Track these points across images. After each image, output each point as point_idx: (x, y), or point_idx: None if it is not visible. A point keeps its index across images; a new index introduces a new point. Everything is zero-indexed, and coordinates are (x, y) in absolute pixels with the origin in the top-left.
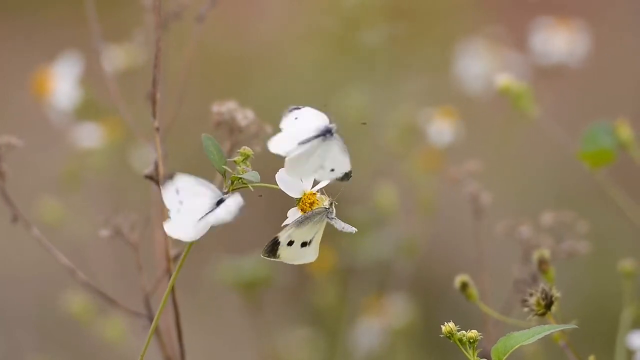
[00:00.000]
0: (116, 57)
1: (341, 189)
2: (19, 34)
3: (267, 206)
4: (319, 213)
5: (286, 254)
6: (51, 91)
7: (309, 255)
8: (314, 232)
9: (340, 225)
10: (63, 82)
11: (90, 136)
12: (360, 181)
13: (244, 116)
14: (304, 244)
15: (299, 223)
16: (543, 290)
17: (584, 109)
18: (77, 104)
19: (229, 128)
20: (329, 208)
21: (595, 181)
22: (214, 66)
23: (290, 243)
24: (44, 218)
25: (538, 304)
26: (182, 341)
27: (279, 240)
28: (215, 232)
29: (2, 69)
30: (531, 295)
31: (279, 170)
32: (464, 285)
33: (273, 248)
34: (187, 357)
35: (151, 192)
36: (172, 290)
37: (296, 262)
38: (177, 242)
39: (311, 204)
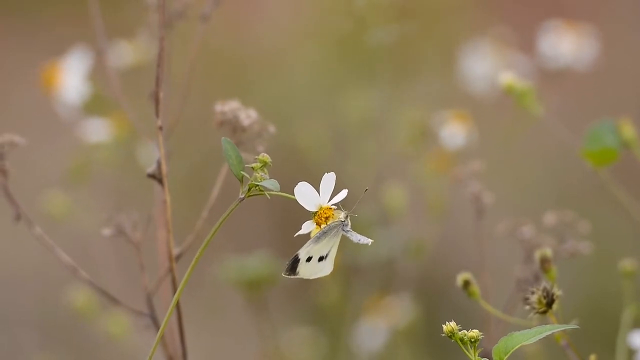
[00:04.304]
0: (120, 56)
1: (358, 201)
2: (21, 32)
3: (269, 206)
4: (335, 227)
5: (304, 270)
6: (60, 85)
7: (325, 269)
8: (330, 246)
9: (356, 237)
10: (72, 77)
11: (97, 131)
12: (365, 182)
13: (247, 115)
14: (320, 259)
15: (317, 239)
16: (544, 289)
17: (588, 108)
18: (86, 99)
19: (232, 127)
20: (344, 221)
21: (598, 181)
22: (216, 66)
23: (309, 259)
24: (48, 213)
25: (539, 301)
26: (184, 340)
27: (299, 257)
28: (219, 232)
29: (5, 67)
30: (533, 293)
31: (298, 182)
32: (466, 283)
33: (293, 266)
34: (189, 356)
35: (154, 191)
36: (175, 289)
37: (313, 277)
38: (180, 241)
39: (327, 218)
